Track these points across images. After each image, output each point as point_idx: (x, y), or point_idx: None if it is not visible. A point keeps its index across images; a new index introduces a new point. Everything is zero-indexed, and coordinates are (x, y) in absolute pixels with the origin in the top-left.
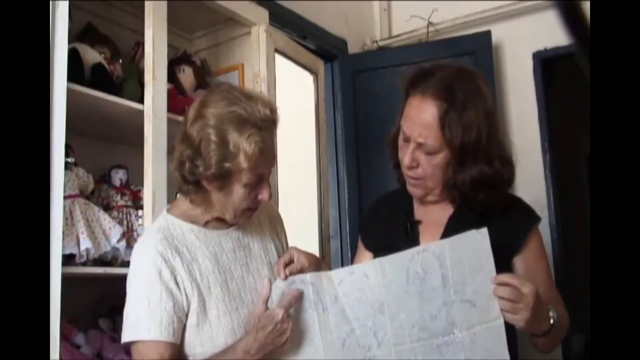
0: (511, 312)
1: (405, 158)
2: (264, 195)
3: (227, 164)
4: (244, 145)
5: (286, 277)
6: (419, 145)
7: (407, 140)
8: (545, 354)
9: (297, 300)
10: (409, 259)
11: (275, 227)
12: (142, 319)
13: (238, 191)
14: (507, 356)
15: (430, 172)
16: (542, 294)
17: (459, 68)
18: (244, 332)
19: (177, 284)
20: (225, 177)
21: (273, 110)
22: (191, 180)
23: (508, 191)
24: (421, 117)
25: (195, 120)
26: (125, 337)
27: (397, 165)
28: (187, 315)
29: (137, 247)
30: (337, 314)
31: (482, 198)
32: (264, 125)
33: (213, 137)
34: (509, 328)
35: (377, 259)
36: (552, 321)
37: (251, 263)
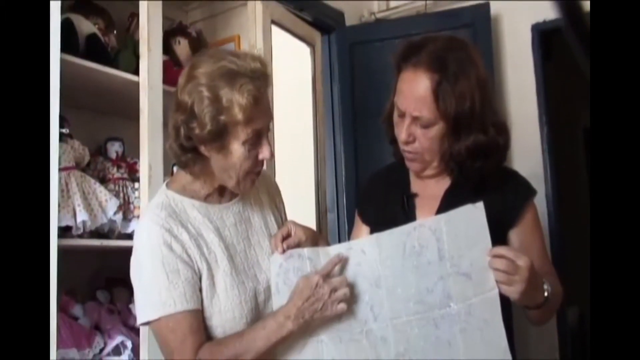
0: (506, 283)
1: (402, 134)
2: (264, 153)
3: (222, 117)
4: (236, 97)
5: (284, 251)
6: (415, 120)
7: (402, 115)
8: (539, 325)
9: (335, 265)
10: (405, 234)
11: (273, 198)
12: (164, 294)
13: (237, 150)
14: (502, 326)
15: (428, 146)
16: (537, 267)
17: (449, 38)
18: (251, 306)
19: (189, 256)
20: (222, 135)
21: (263, 64)
22: (188, 147)
23: (504, 158)
24: (414, 90)
25: (186, 84)
26: (148, 315)
27: (393, 141)
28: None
29: (142, 226)
30: None
31: (478, 167)
32: (255, 76)
33: (205, 94)
34: (505, 300)
35: (374, 235)
36: (546, 294)
37: (252, 236)
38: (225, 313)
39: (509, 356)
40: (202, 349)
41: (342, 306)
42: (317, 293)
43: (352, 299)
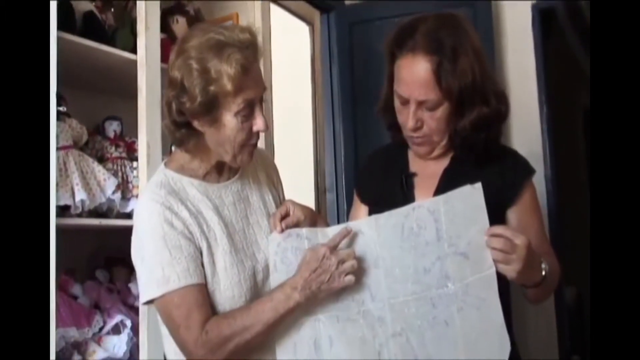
0: (503, 262)
1: (409, 121)
2: (258, 124)
3: (211, 88)
4: (225, 67)
5: (282, 231)
6: (420, 104)
7: (405, 103)
8: (537, 304)
9: (342, 238)
10: (404, 216)
11: (271, 177)
12: (168, 270)
13: (230, 122)
14: (499, 305)
15: (435, 127)
16: (534, 246)
17: (438, 16)
18: (250, 284)
19: (190, 232)
20: (213, 107)
21: (252, 34)
22: (181, 123)
23: (503, 124)
24: (416, 75)
25: (176, 59)
26: (152, 293)
27: (391, 127)
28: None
29: (142, 205)
30: None
31: (482, 138)
32: (244, 46)
33: (194, 66)
34: (503, 279)
35: (373, 216)
36: (543, 273)
37: (251, 215)
38: (224, 291)
39: (505, 334)
40: (209, 323)
41: (349, 278)
42: (324, 264)
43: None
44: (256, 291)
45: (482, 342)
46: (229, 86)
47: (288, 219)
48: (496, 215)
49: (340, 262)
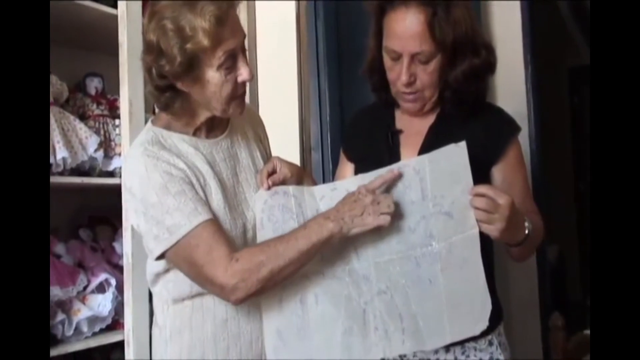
0: (486, 222)
1: (402, 76)
2: (242, 74)
3: (188, 46)
4: (199, 22)
5: (269, 188)
6: (413, 58)
7: (396, 58)
8: (520, 262)
9: (384, 182)
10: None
11: (257, 132)
12: (177, 216)
13: (214, 77)
14: (481, 264)
15: (428, 81)
16: (518, 205)
17: None
18: (240, 242)
19: (189, 180)
20: (194, 65)
21: None
22: (164, 87)
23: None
24: (409, 28)
25: (150, 22)
26: (165, 244)
27: (377, 89)
28: None
29: (135, 161)
30: None
31: (473, 90)
32: None
33: (169, 26)
34: (486, 238)
35: (359, 175)
36: (527, 231)
37: (240, 173)
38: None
39: (487, 294)
40: (238, 252)
41: (384, 217)
42: (360, 200)
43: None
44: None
45: (465, 301)
46: (205, 41)
47: (275, 176)
48: (481, 173)
49: (376, 201)
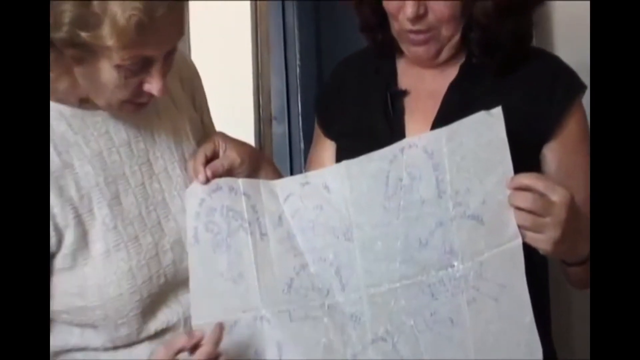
0: (533, 229)
1: (408, 7)
2: (152, 85)
3: (82, 34)
4: (113, 9)
5: (207, 181)
6: None
7: None
8: (582, 289)
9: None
10: (389, 161)
11: (190, 93)
12: None
13: (108, 73)
14: (527, 293)
15: (445, 14)
16: (581, 203)
17: None
18: (148, 274)
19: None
20: (84, 49)
21: None
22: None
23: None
24: None
25: None
26: None
27: (369, 27)
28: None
29: None
30: (282, 241)
31: (510, 30)
32: None
33: None
34: (534, 254)
35: (343, 163)
36: None
37: (155, 161)
38: (105, 288)
39: (535, 336)
40: None
41: None
42: None
43: (309, 256)
44: (160, 283)
45: (503, 350)
46: (110, 41)
47: (216, 162)
48: (526, 156)
49: None
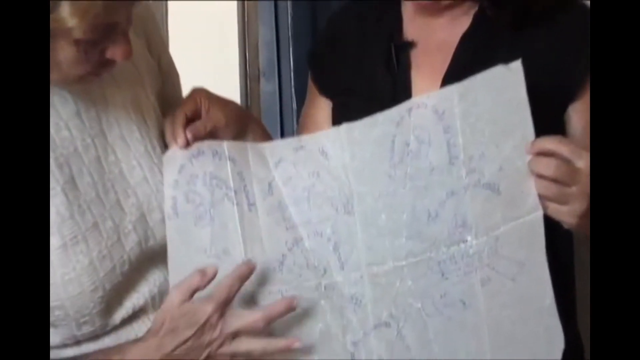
0: (557, 200)
1: None
2: (116, 51)
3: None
4: None
5: (187, 144)
6: None
7: None
8: None
9: (242, 281)
10: (395, 123)
11: (145, 38)
12: None
13: (64, 50)
14: (547, 272)
15: None
16: None
17: None
18: (110, 265)
19: None
20: None
21: None
22: None
23: None
24: None
25: None
26: None
27: None
28: None
29: None
30: (273, 213)
31: None
32: None
33: None
34: (556, 228)
35: (343, 126)
36: None
37: (110, 128)
38: (64, 286)
39: (556, 320)
40: None
41: None
42: (207, 334)
43: (303, 230)
44: (124, 270)
45: (521, 335)
46: (70, 22)
47: (197, 123)
48: (548, 118)
49: (228, 337)
